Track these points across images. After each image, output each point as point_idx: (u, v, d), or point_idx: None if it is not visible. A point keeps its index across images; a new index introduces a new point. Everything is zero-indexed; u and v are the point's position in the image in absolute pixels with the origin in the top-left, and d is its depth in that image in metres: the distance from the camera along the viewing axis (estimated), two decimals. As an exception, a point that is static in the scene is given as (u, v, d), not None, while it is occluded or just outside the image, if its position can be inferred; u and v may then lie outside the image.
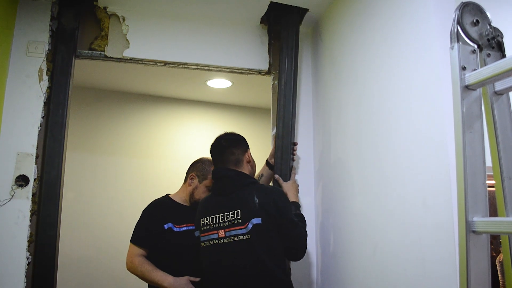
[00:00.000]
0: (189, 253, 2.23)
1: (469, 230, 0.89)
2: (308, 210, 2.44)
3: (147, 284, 2.24)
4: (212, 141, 2.10)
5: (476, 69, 0.97)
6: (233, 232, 1.83)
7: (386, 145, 1.68)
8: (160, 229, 2.21)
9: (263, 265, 1.81)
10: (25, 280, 2.09)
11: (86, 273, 3.71)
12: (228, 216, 1.86)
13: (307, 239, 1.94)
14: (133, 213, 2.34)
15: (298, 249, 1.93)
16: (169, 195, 2.40)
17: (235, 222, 1.84)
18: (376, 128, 1.78)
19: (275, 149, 2.39)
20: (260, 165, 2.35)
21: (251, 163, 2.09)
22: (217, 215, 1.89)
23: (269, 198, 1.86)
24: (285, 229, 1.86)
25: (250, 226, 1.80)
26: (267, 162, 2.43)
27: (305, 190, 2.49)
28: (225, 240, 1.85)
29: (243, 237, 1.81)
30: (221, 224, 1.87)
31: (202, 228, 1.94)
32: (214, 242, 1.88)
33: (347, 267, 1.98)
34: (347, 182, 2.05)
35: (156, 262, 2.20)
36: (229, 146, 2.03)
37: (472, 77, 0.96)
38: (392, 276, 1.58)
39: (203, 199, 2.12)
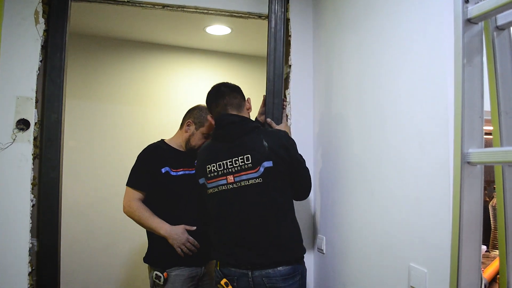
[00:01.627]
0: (186, 197, 2.26)
1: (464, 162, 0.91)
2: (307, 156, 2.46)
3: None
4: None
5: (479, 2, 0.96)
6: (244, 177, 1.86)
7: (386, 88, 1.68)
8: (158, 172, 2.23)
9: (276, 205, 1.87)
10: (30, 222, 2.14)
11: (88, 220, 3.80)
12: (237, 162, 1.87)
13: None
14: (132, 161, 2.36)
15: (305, 188, 2.03)
16: (164, 140, 2.41)
17: (246, 167, 1.86)
18: (376, 71, 1.76)
19: (266, 93, 2.36)
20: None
21: (250, 110, 2.10)
22: (224, 161, 1.90)
23: (278, 141, 1.89)
24: (294, 170, 1.92)
25: (261, 169, 1.84)
26: (256, 120, 2.39)
27: (303, 135, 2.51)
28: (235, 185, 1.87)
29: (255, 180, 1.84)
30: (230, 170, 1.89)
31: (209, 175, 1.94)
32: (223, 188, 1.90)
33: (345, 211, 2.03)
34: (345, 128, 2.06)
35: (153, 207, 2.23)
36: (230, 91, 2.03)
37: (474, 9, 0.95)
38: (389, 216, 1.63)
39: (204, 145, 2.11)
